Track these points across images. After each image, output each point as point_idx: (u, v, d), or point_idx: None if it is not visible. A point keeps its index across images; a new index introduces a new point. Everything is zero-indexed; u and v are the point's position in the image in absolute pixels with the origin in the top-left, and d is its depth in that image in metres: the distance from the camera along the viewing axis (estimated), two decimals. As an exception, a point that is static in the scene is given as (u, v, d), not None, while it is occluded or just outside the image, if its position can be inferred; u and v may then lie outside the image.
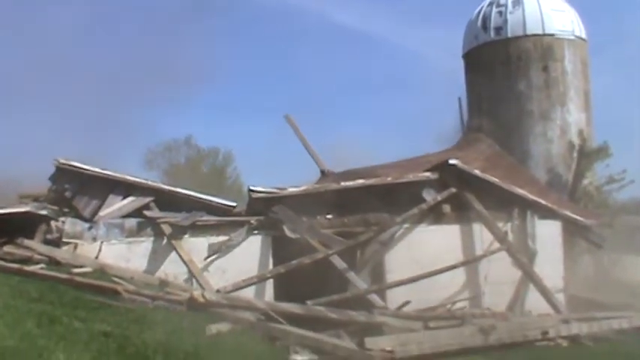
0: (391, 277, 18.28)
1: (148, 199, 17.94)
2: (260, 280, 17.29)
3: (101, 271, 15.76)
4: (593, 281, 22.63)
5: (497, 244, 18.84)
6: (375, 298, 17.43)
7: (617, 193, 24.70)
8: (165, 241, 17.34)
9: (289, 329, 13.92)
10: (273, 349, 12.63)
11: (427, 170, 19.33)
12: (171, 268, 17.14)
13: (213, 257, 17.41)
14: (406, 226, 18.74)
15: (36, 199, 18.28)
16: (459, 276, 18.75)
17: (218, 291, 15.79)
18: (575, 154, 24.20)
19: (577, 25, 25.49)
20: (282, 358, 12.21)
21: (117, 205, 17.77)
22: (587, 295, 20.94)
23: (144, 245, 17.39)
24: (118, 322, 11.11)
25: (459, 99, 26.99)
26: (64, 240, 16.95)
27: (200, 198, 18.33)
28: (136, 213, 17.76)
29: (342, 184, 18.95)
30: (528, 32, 24.88)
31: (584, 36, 25.66)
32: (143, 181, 18.27)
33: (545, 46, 24.83)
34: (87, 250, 16.96)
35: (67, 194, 17.70)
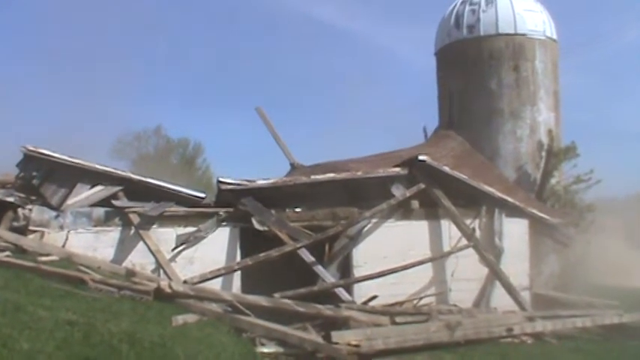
0: (359, 271, 18.35)
1: (116, 189, 17.81)
2: (227, 271, 17.27)
3: (68, 260, 15.62)
4: (558, 280, 22.83)
5: (464, 241, 18.98)
6: (342, 292, 17.51)
7: (583, 193, 24.92)
8: (133, 230, 17.25)
9: (256, 321, 13.91)
10: (239, 341, 12.60)
11: (397, 166, 19.39)
12: (139, 258, 17.09)
13: (181, 248, 17.35)
14: (375, 220, 18.80)
15: (3, 185, 18.08)
16: (427, 272, 18.87)
17: (185, 282, 15.74)
18: (543, 154, 24.33)
19: (548, 25, 25.63)
20: (248, 349, 12.20)
21: (85, 193, 17.63)
22: (552, 294, 21.14)
23: (111, 235, 17.29)
24: (83, 311, 11.01)
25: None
26: (31, 228, 16.80)
27: (169, 188, 18.24)
28: (104, 202, 17.64)
29: (312, 177, 18.95)
30: (500, 31, 24.93)
31: (555, 37, 25.81)
32: (112, 170, 18.12)
33: (516, 46, 24.92)
34: (54, 238, 16.83)
35: (35, 182, 17.53)
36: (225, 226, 17.90)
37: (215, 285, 16.63)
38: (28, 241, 16.24)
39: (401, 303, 17.72)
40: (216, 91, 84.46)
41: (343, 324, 15.17)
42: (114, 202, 17.57)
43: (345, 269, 18.53)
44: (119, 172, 18.30)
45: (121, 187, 17.84)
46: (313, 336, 14.05)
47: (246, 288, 17.30)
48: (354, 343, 13.76)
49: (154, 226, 17.39)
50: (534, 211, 20.55)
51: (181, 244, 17.32)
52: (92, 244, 17.06)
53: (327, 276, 17.65)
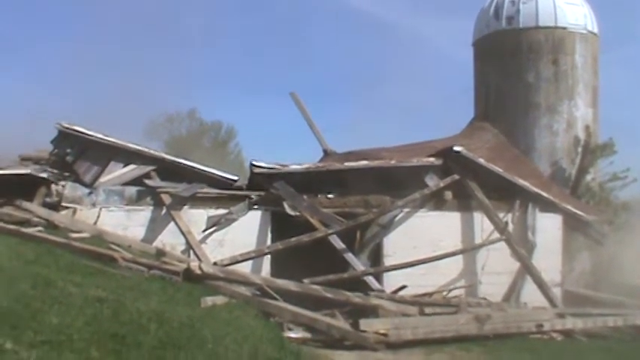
0: (389, 260, 18.25)
1: (149, 168, 17.85)
2: (258, 255, 17.24)
3: (99, 238, 15.70)
4: (590, 277, 22.60)
5: (496, 234, 18.80)
6: (371, 280, 17.42)
7: (619, 191, 24.64)
8: (164, 211, 17.28)
9: (284, 306, 13.92)
10: (267, 325, 12.57)
11: (431, 155, 19.23)
12: (169, 239, 17.11)
13: (212, 230, 17.35)
14: (407, 210, 18.68)
15: (37, 161, 18.19)
16: (457, 263, 18.74)
17: (215, 264, 15.72)
18: (579, 149, 24.05)
19: (590, 19, 25.29)
20: (276, 334, 12.14)
21: (118, 172, 17.69)
22: (584, 291, 20.93)
23: (143, 214, 17.34)
24: (113, 289, 11.04)
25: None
26: (64, 204, 16.89)
27: (201, 170, 18.22)
28: (137, 181, 17.68)
29: (345, 164, 18.86)
30: (540, 24, 24.63)
31: (596, 31, 25.47)
32: (145, 149, 18.15)
33: (556, 39, 24.61)
34: (86, 215, 16.91)
35: (69, 159, 17.61)
36: (256, 209, 17.86)
37: (245, 268, 16.61)
38: (60, 217, 16.34)
39: (430, 294, 17.61)
40: (251, 76, 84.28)
41: (372, 312, 15.12)
42: (146, 181, 17.58)
43: (376, 258, 18.45)
44: (152, 151, 18.33)
45: (153, 167, 17.88)
46: (341, 323, 14.04)
47: (275, 272, 17.25)
48: (382, 331, 13.73)
49: (186, 207, 17.41)
50: (568, 206, 20.29)
51: (212, 226, 17.31)
52: (123, 222, 17.12)
53: (358, 264, 17.57)
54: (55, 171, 17.44)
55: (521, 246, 18.94)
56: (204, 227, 17.27)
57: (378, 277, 17.82)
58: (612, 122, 29.43)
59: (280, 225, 17.88)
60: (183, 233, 16.83)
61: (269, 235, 17.84)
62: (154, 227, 17.30)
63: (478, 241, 19.00)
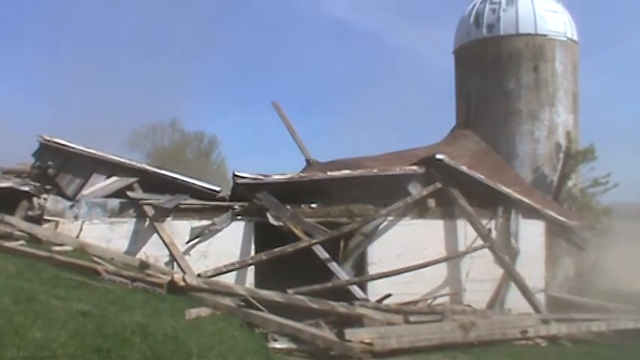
0: (373, 269, 18.25)
1: (131, 180, 17.81)
2: (241, 266, 17.20)
3: (81, 251, 15.65)
4: (573, 283, 22.71)
5: (480, 241, 18.84)
6: (356, 289, 17.42)
7: (600, 196, 24.77)
8: (147, 222, 17.22)
9: (269, 317, 13.89)
10: (252, 336, 12.55)
11: (414, 164, 19.27)
12: (153, 251, 17.07)
13: (195, 241, 17.30)
14: (390, 218, 18.69)
15: (18, 175, 18.12)
16: (441, 271, 18.77)
17: (199, 275, 15.69)
18: (561, 156, 24.21)
19: (569, 26, 25.47)
20: (261, 345, 12.12)
21: (100, 184, 17.64)
22: (567, 297, 21.01)
23: (126, 226, 17.28)
24: (96, 302, 10.97)
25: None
26: (46, 217, 16.82)
27: (184, 181, 18.19)
28: (119, 193, 17.62)
29: (328, 173, 18.87)
30: (521, 31, 24.81)
31: (575, 38, 25.66)
32: (127, 161, 18.12)
33: (536, 46, 24.78)
34: (68, 228, 16.85)
35: (50, 171, 17.57)
36: (239, 220, 17.83)
37: (229, 279, 16.58)
38: (43, 231, 16.26)
39: (415, 302, 17.64)
40: (233, 85, 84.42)
41: (357, 322, 15.10)
42: (129, 193, 17.54)
43: (360, 267, 18.43)
44: (134, 163, 18.29)
45: (136, 179, 17.84)
46: (326, 333, 14.02)
47: (259, 283, 17.22)
48: (367, 341, 13.73)
49: (169, 219, 17.37)
50: (551, 212, 20.36)
51: (195, 237, 17.27)
52: (106, 234, 17.06)
53: (342, 273, 17.56)
54: (37, 184, 17.38)
55: (505, 253, 18.99)
56: (187, 239, 17.22)
57: (363, 287, 17.81)
58: (593, 128, 29.62)
59: (264, 235, 17.85)
60: (166, 245, 16.77)
61: (253, 246, 17.81)
62: (137, 239, 17.24)
63: (462, 248, 19.04)
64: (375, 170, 18.89)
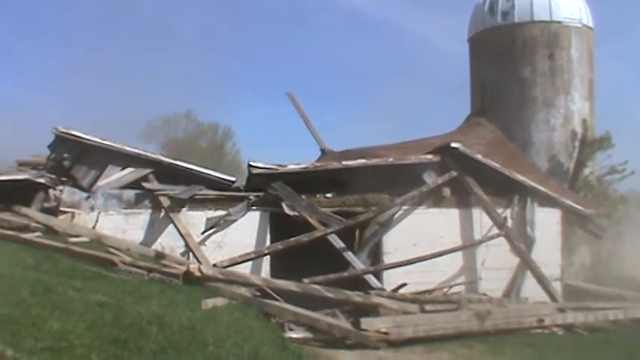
0: (389, 258, 18.23)
1: (147, 171, 17.85)
2: (257, 256, 17.23)
3: (98, 242, 15.70)
4: (589, 271, 22.60)
5: (495, 230, 18.78)
6: (371, 278, 17.40)
7: (617, 184, 24.61)
8: (162, 213, 17.26)
9: (285, 306, 13.92)
10: (268, 326, 12.59)
11: (429, 153, 19.21)
12: (168, 241, 17.10)
13: (211, 231, 17.33)
14: (405, 207, 18.67)
15: (35, 167, 18.16)
16: (457, 260, 18.72)
17: (215, 265, 15.71)
18: (577, 143, 24.04)
19: (585, 13, 25.28)
20: (277, 334, 12.14)
21: (115, 175, 17.67)
22: (584, 285, 20.92)
23: (141, 217, 17.33)
24: (113, 293, 11.03)
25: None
26: (62, 209, 16.87)
27: (199, 171, 18.21)
28: (135, 184, 17.67)
29: (343, 163, 18.83)
30: (536, 18, 24.62)
31: (591, 24, 25.46)
32: (142, 152, 18.14)
33: (551, 33, 24.60)
34: (84, 219, 16.91)
35: (66, 163, 17.62)
36: (255, 210, 17.85)
37: (244, 269, 16.60)
38: (59, 222, 16.32)
39: (430, 291, 17.60)
40: (247, 77, 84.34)
41: (372, 311, 15.12)
42: (144, 184, 17.58)
43: (375, 256, 18.42)
44: (150, 154, 18.31)
45: (151, 170, 17.87)
46: (342, 322, 14.03)
47: (275, 273, 17.24)
48: (383, 330, 13.74)
49: (184, 209, 17.40)
50: (567, 201, 20.25)
51: (211, 228, 17.29)
52: (122, 226, 17.11)
53: (357, 262, 17.55)
54: (53, 176, 17.42)
55: (521, 241, 18.92)
56: (203, 229, 17.23)
57: (378, 276, 17.81)
58: (609, 115, 29.39)
59: (279, 225, 17.86)
60: (182, 235, 16.81)
61: (268, 236, 17.83)
62: (153, 230, 17.29)
63: (477, 237, 18.99)
64: (390, 159, 18.84)
